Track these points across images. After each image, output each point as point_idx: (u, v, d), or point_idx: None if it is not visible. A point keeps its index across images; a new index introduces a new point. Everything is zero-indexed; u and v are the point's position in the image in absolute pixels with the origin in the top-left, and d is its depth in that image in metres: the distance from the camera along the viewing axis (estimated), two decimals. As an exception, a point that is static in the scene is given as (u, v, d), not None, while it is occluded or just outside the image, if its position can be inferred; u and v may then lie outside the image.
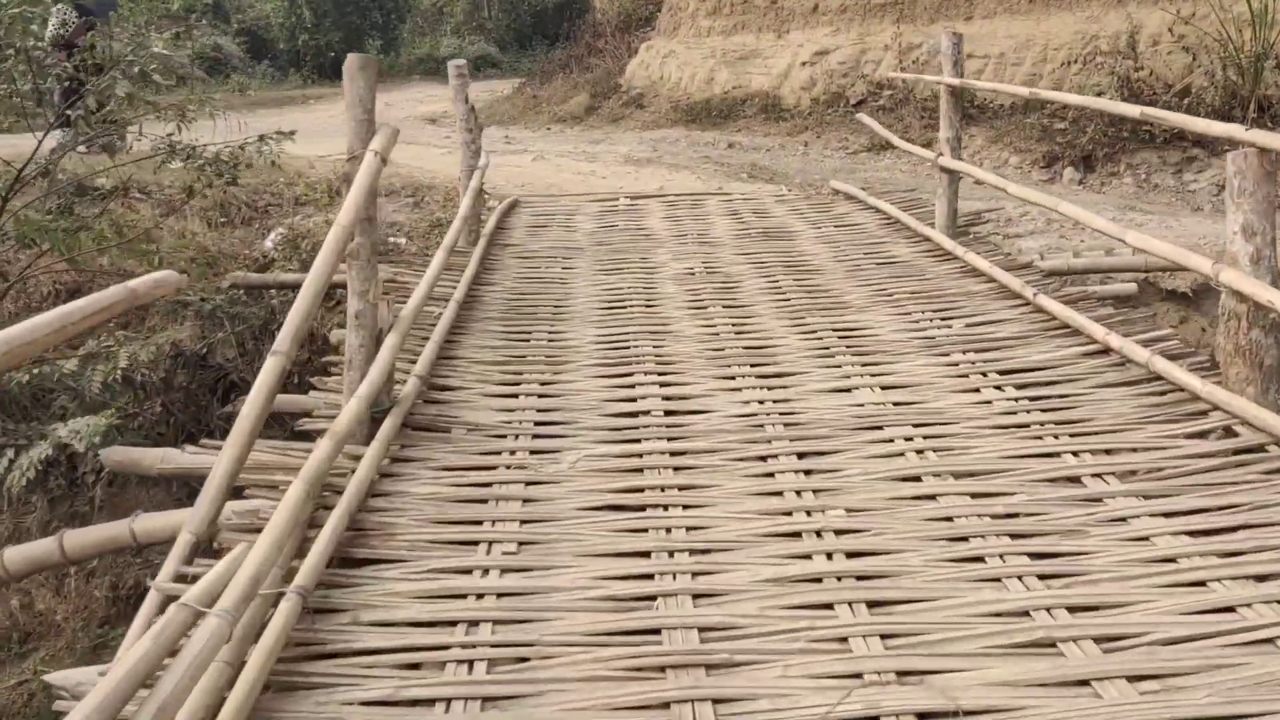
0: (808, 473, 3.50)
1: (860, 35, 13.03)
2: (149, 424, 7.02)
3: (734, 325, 5.09)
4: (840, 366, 4.48)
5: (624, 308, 5.43)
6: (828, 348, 4.70)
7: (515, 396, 4.25)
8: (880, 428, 3.83)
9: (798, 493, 3.34)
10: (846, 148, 12.13)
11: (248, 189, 8.58)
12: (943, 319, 5.03)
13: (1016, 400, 4.01)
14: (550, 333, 5.05)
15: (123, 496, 7.17)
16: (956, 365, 4.43)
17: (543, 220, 7.71)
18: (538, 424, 3.97)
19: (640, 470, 3.54)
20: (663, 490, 3.39)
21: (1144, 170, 10.90)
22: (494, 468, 3.57)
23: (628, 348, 4.79)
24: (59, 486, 7.14)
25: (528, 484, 3.44)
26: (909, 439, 3.71)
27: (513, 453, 3.69)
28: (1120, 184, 10.84)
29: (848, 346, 4.70)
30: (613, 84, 15.12)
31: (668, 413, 4.05)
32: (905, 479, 3.43)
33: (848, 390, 4.22)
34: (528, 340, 4.94)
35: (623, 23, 18.59)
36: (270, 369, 3.15)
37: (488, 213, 7.82)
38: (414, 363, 4.35)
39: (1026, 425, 3.78)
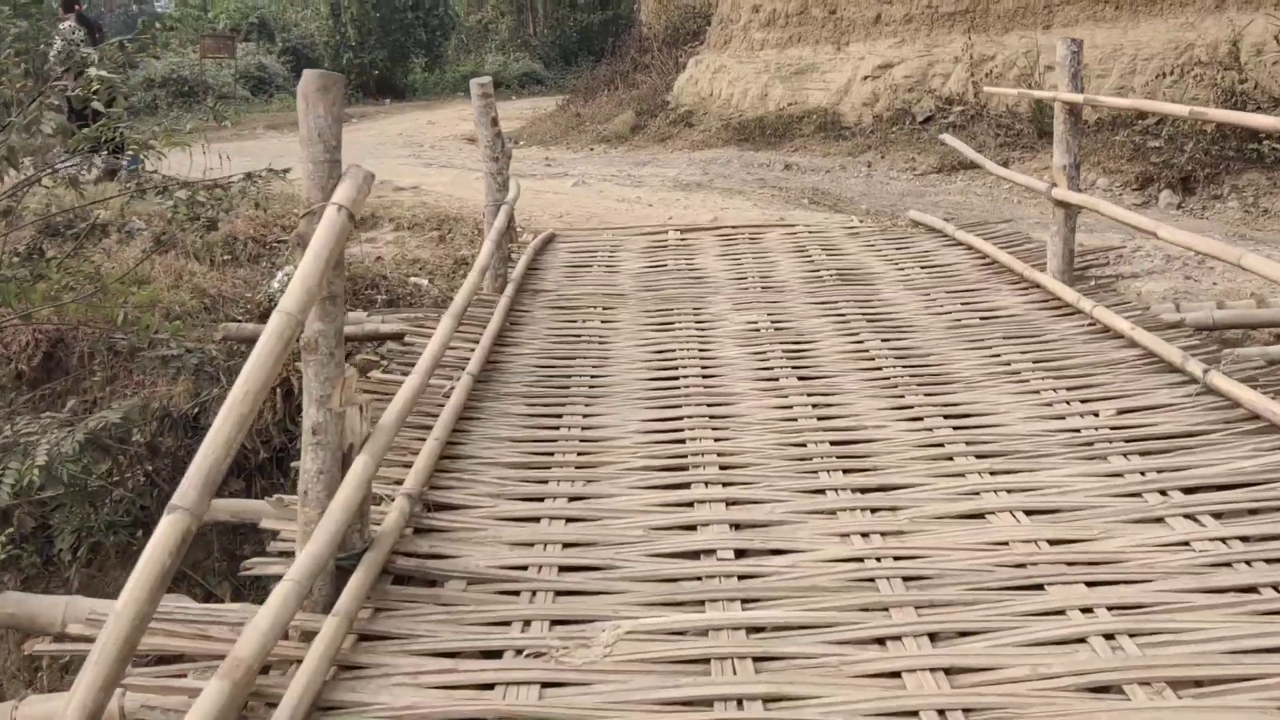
0: (949, 672, 2.35)
1: (927, 47, 11.84)
2: (129, 498, 6.05)
3: (814, 406, 3.95)
4: (964, 475, 3.32)
5: (675, 379, 4.32)
6: (941, 444, 3.55)
7: (536, 520, 3.14)
8: (1040, 587, 2.67)
9: (941, 714, 2.20)
10: (914, 168, 10.94)
11: (256, 222, 7.60)
12: (1083, 402, 3.85)
13: (1224, 541, 2.83)
14: (584, 416, 3.94)
15: (104, 580, 6.21)
16: (1121, 476, 3.25)
17: (581, 259, 6.63)
18: (563, 569, 2.86)
19: (706, 663, 2.42)
20: (740, 706, 2.26)
21: (1251, 193, 9.60)
22: (498, 653, 2.47)
23: (682, 441, 3.68)
24: (32, 565, 6.20)
25: (544, 686, 2.34)
26: (1087, 610, 2.54)
27: (526, 623, 2.58)
28: (1224, 209, 9.56)
29: (968, 443, 3.54)
30: (659, 101, 14.06)
31: (739, 553, 2.92)
32: (1096, 689, 2.27)
33: (981, 516, 3.07)
34: (556, 428, 3.83)
35: (670, 37, 17.54)
36: (167, 531, 2.08)
37: (520, 249, 6.77)
38: (409, 466, 3.29)
39: (1254, 589, 2.60)
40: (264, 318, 6.70)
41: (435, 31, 28.37)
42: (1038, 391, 3.99)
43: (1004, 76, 11.21)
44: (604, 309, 5.46)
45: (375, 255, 7.19)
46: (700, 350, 4.69)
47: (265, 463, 6.22)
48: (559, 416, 3.93)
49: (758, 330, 4.96)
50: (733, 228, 7.28)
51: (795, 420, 3.82)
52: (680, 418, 3.88)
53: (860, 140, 11.57)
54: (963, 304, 5.21)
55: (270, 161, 6.17)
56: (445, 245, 7.59)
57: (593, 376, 4.38)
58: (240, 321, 6.57)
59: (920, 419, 3.77)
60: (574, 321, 5.25)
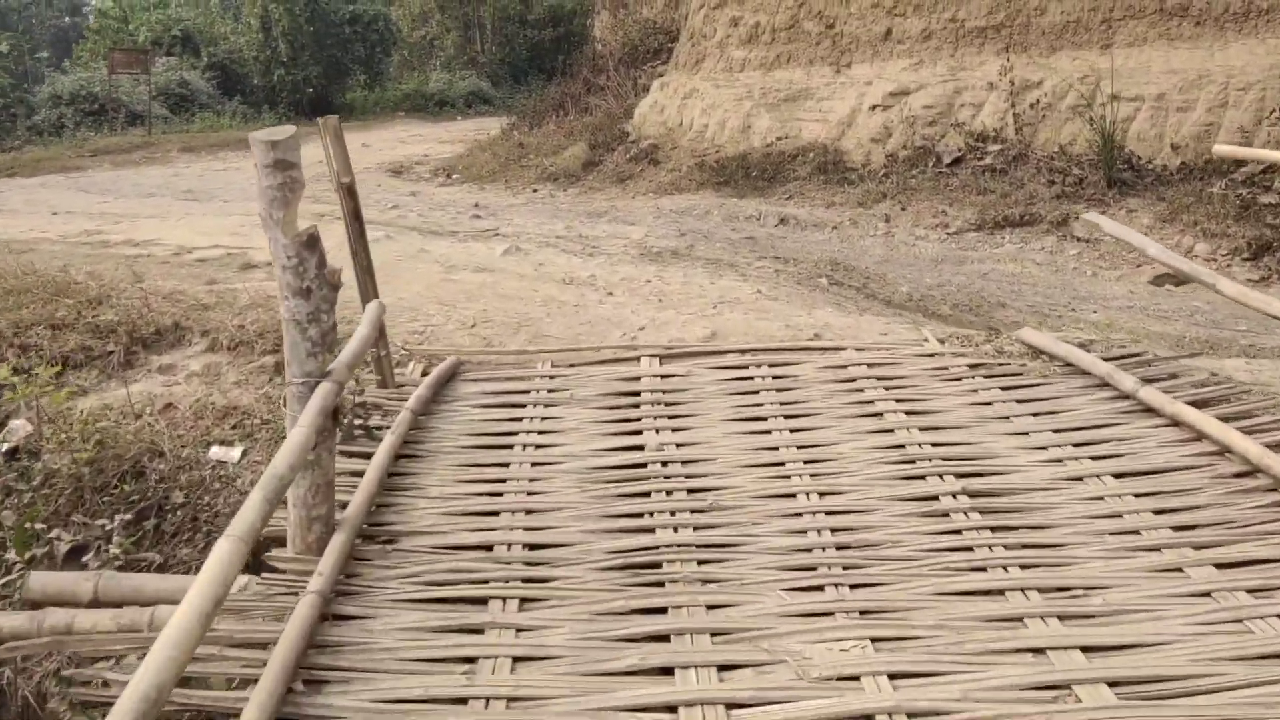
0: None
1: (952, 69, 9.03)
2: None
3: None
4: None
5: None
6: None
7: None
8: None
9: None
10: (945, 224, 8.12)
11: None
12: None
13: None
14: None
15: None
16: None
17: (494, 427, 3.66)
18: None
19: None
20: None
21: (1407, 267, 6.94)
22: None
23: None
24: None
25: None
26: None
27: None
28: (1374, 289, 6.85)
29: None
30: (617, 131, 11.11)
31: None
32: None
33: None
34: None
35: (627, 55, 14.61)
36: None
37: (397, 397, 3.82)
38: None
39: None
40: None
41: (375, 47, 25.18)
42: None
43: (1054, 108, 8.44)
44: (525, 600, 2.52)
45: (164, 402, 4.16)
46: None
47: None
48: None
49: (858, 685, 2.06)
50: (741, 352, 4.35)
51: None
52: None
53: (872, 186, 8.72)
54: (1248, 587, 2.35)
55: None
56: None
57: None
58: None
59: None
60: (464, 653, 2.30)
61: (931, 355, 4.28)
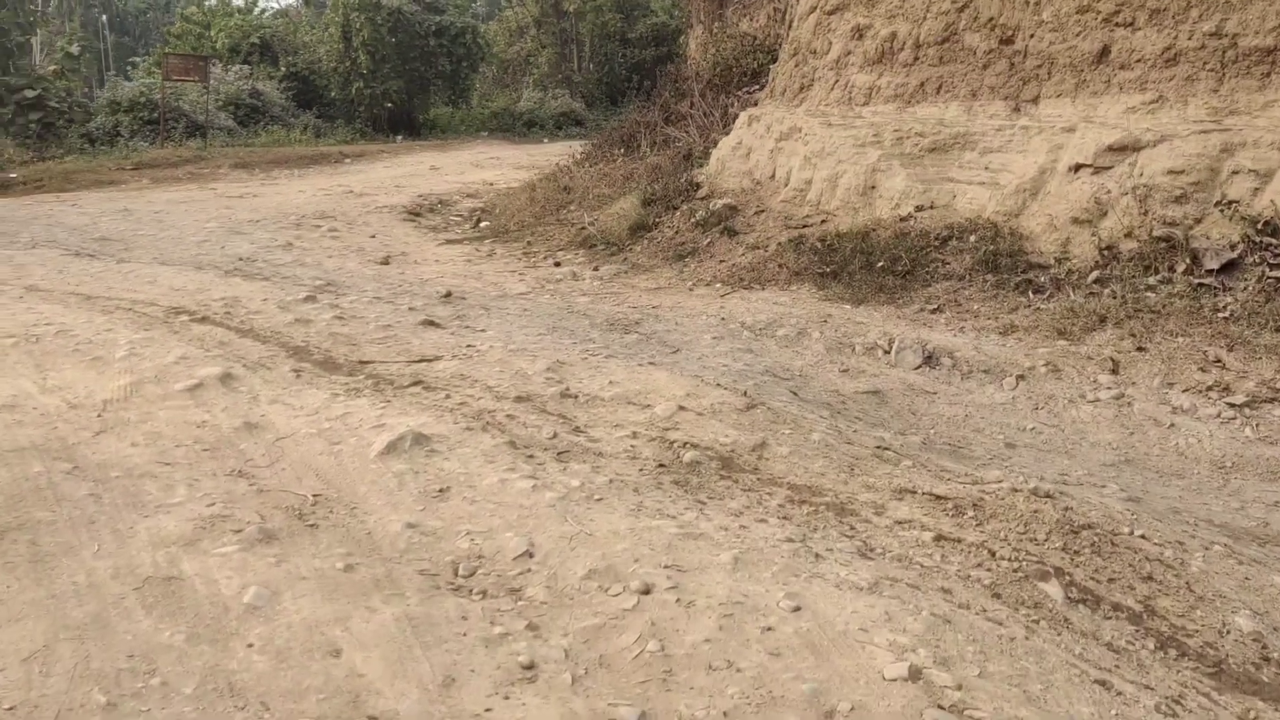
0: None
1: (1214, 113, 5.22)
2: None
3: None
4: None
5: None
6: None
7: None
8: None
9: None
10: (1222, 384, 4.33)
11: None
12: None
13: None
14: None
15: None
16: None
17: None
18: None
19: None
20: None
21: None
22: None
23: None
24: None
25: None
26: None
27: None
28: None
29: None
30: (684, 181, 7.57)
31: None
32: None
33: None
34: None
35: (719, 77, 11.06)
36: None
37: None
38: None
39: None
40: None
41: (462, 62, 22.21)
42: None
43: None
44: None
45: None
46: None
47: None
48: None
49: None
50: None
51: None
52: None
53: (1078, 300, 4.99)
54: None
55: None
56: None
57: None
58: None
59: None
60: None
61: None
